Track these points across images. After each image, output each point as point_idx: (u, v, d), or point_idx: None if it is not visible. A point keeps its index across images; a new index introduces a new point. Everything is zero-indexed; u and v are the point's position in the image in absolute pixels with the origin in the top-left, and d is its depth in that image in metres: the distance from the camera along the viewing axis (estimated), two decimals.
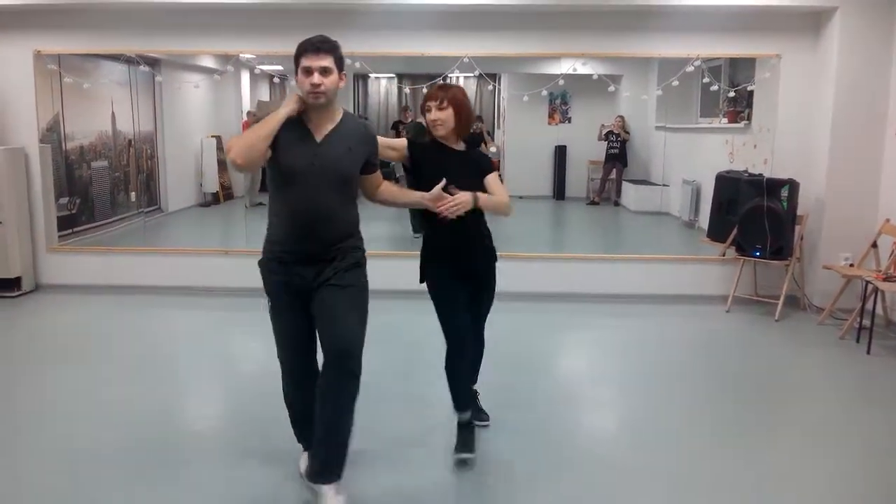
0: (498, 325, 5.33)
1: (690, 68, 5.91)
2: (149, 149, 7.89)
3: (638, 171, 8.71)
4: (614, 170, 8.85)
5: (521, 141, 9.37)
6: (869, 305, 5.02)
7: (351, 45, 5.92)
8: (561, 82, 6.14)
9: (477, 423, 3.41)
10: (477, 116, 9.12)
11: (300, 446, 3.06)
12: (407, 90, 8.69)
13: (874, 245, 5.35)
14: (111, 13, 5.92)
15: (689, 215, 7.62)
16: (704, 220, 6.69)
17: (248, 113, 8.46)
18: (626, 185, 8.86)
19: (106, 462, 3.20)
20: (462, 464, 3.13)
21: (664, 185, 7.84)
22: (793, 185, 5.53)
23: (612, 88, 6.20)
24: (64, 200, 6.57)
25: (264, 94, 8.92)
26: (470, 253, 3.16)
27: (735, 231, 5.82)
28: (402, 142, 3.14)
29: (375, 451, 3.26)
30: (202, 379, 4.40)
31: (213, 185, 8.86)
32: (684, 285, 6.10)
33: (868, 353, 4.80)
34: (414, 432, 3.51)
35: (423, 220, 3.12)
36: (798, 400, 4.17)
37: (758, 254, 5.64)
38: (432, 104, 3.03)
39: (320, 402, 2.68)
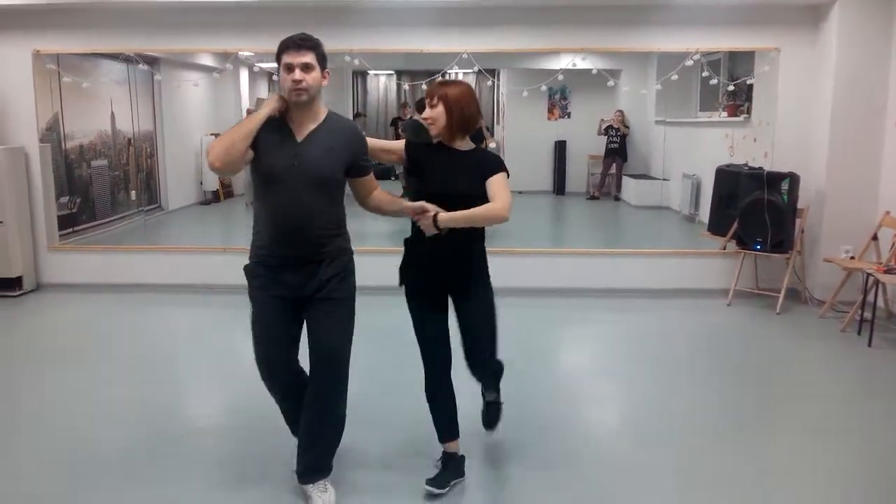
0: (499, 321, 5.35)
1: (690, 62, 5.91)
2: (148, 147, 7.89)
3: (638, 165, 8.71)
4: (614, 164, 8.86)
5: (521, 136, 9.36)
6: (870, 298, 5.02)
7: (350, 42, 5.93)
8: (560, 77, 6.14)
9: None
10: None
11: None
12: (406, 87, 8.69)
13: (875, 237, 5.35)
14: (110, 12, 5.92)
15: (689, 209, 7.62)
16: (705, 214, 6.69)
17: (248, 111, 8.45)
18: (626, 180, 8.86)
19: (106, 461, 3.20)
20: (428, 495, 2.91)
21: (664, 179, 7.83)
22: (793, 179, 5.53)
23: (611, 83, 6.19)
24: (64, 199, 6.57)
25: (263, 92, 8.91)
26: (447, 264, 2.84)
27: (736, 224, 5.82)
28: (400, 144, 2.94)
29: (376, 449, 3.27)
30: (203, 377, 4.40)
31: (213, 183, 8.86)
32: (685, 279, 6.11)
33: (869, 345, 4.81)
34: (415, 430, 3.51)
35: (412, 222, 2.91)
36: (800, 393, 4.17)
37: (758, 247, 5.64)
38: (427, 101, 2.84)
39: (310, 408, 2.79)
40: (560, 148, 9.14)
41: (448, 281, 2.88)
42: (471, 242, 2.85)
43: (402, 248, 2.94)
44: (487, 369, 3.03)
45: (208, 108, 8.71)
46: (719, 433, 3.54)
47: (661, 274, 6.14)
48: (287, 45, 2.61)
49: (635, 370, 4.44)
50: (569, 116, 9.06)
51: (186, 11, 5.89)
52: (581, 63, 6.04)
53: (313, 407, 2.79)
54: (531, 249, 6.29)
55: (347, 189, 2.83)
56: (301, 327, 2.82)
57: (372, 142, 2.93)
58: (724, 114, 7.08)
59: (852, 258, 5.50)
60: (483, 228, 2.89)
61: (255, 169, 2.69)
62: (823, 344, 4.93)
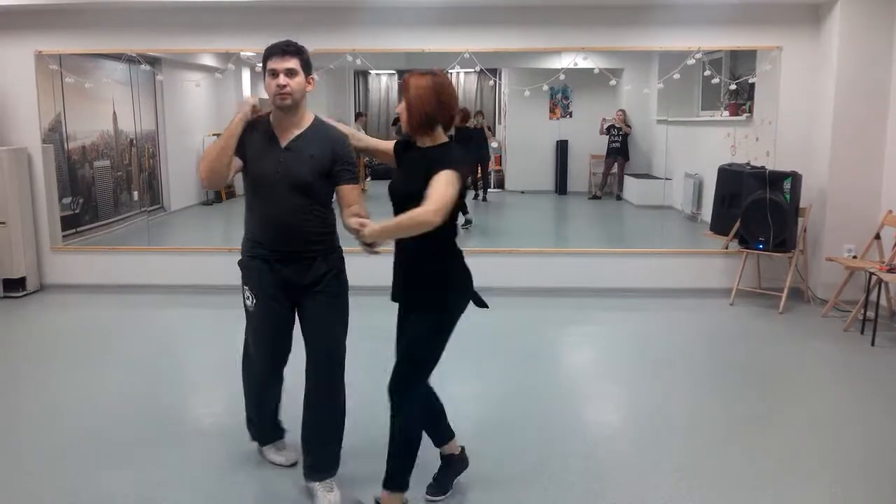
0: (502, 321, 5.36)
1: (691, 61, 5.90)
2: (150, 148, 7.89)
3: (640, 164, 8.71)
4: (616, 164, 8.86)
5: (523, 136, 9.39)
6: (873, 297, 5.02)
7: (351, 42, 5.94)
8: (562, 77, 6.14)
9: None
10: (478, 112, 9.13)
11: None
12: None
13: (877, 236, 5.34)
14: (112, 13, 5.93)
15: (691, 209, 7.62)
16: (707, 214, 6.69)
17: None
18: (628, 179, 8.86)
19: (110, 460, 3.21)
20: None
21: (666, 178, 7.83)
22: (795, 178, 5.52)
23: (613, 82, 6.19)
24: (67, 200, 6.58)
25: (265, 92, 8.91)
26: (396, 279, 2.72)
27: (738, 224, 5.81)
28: (391, 144, 2.87)
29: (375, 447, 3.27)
30: (207, 377, 4.41)
31: None
32: (687, 279, 6.10)
33: (872, 344, 4.81)
34: None
35: None
36: (802, 392, 4.17)
37: (761, 246, 5.64)
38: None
39: (314, 405, 2.87)
40: (562, 147, 9.14)
41: (394, 289, 2.74)
42: (422, 263, 2.61)
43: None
44: (392, 403, 2.70)
45: (210, 108, 8.71)
46: (722, 433, 3.54)
47: (664, 274, 6.13)
48: (272, 52, 2.67)
49: (637, 370, 4.44)
50: (570, 116, 9.06)
51: (188, 12, 5.90)
52: (583, 62, 6.04)
53: (316, 404, 2.86)
54: (533, 249, 6.29)
55: None
56: (293, 329, 2.90)
57: (373, 142, 2.98)
58: (726, 113, 7.07)
59: (855, 257, 5.50)
60: (446, 247, 2.65)
61: (245, 175, 2.80)
62: (826, 343, 4.93)
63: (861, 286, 5.23)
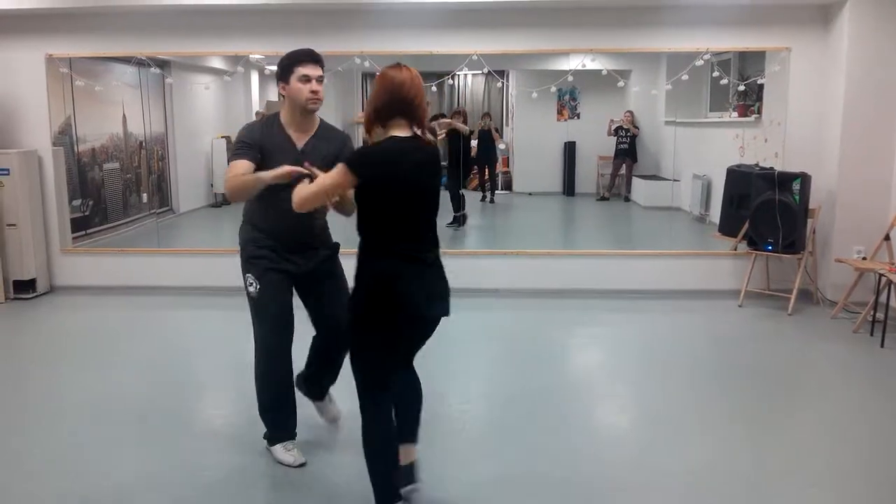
0: (508, 322, 5.36)
1: (700, 62, 5.89)
2: (160, 150, 7.94)
3: (648, 166, 8.69)
4: (624, 165, 8.85)
5: (530, 137, 9.38)
6: (882, 298, 4.99)
7: (359, 44, 5.96)
8: (570, 78, 6.14)
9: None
10: (485, 114, 9.14)
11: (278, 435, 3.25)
12: None
13: (887, 238, 5.31)
14: (121, 16, 5.96)
15: (700, 210, 7.60)
16: (716, 215, 6.67)
17: (258, 113, 8.49)
18: (636, 181, 8.85)
19: (120, 461, 3.23)
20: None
21: (675, 180, 7.81)
22: (804, 179, 5.50)
23: (621, 84, 6.18)
24: (77, 202, 6.62)
25: (273, 95, 8.95)
26: None
27: (747, 225, 5.79)
28: None
29: None
30: (216, 379, 4.43)
31: (223, 185, 8.91)
32: (696, 280, 6.09)
33: (882, 346, 4.78)
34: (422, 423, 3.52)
35: None
36: (812, 394, 4.15)
37: (770, 248, 5.62)
38: None
39: (322, 358, 3.27)
40: (570, 149, 9.14)
41: None
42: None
43: None
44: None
45: (219, 110, 8.76)
46: (730, 434, 3.53)
47: (672, 275, 6.12)
48: (300, 59, 2.89)
49: (645, 372, 4.43)
50: (578, 117, 9.06)
51: (197, 15, 5.93)
52: (590, 64, 6.04)
53: (325, 357, 3.27)
54: (541, 251, 6.28)
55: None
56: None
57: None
58: (735, 114, 7.06)
59: (864, 259, 5.47)
60: (369, 247, 2.58)
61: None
62: (835, 345, 4.91)
63: (870, 287, 5.20)
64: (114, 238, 7.06)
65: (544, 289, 6.10)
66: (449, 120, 8.11)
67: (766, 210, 5.58)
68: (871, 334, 4.98)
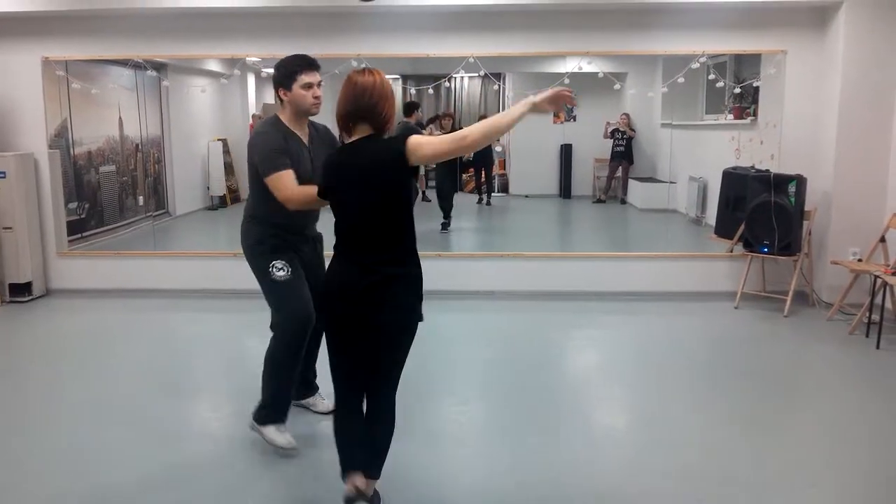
0: (505, 324, 5.37)
1: (696, 65, 5.91)
2: (156, 153, 7.92)
3: (644, 168, 8.71)
4: (620, 167, 8.87)
5: (527, 140, 9.38)
6: (878, 300, 5.01)
7: (356, 47, 5.96)
8: (566, 81, 6.14)
9: None
10: (482, 116, 9.14)
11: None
12: (412, 91, 8.70)
13: (882, 239, 5.33)
14: (117, 19, 5.96)
15: (696, 212, 7.61)
16: (712, 217, 6.68)
17: (254, 116, 8.48)
18: (632, 183, 8.86)
19: (116, 463, 3.22)
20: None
21: (671, 182, 7.83)
22: (800, 181, 5.52)
23: (617, 86, 6.20)
24: (73, 205, 6.61)
25: (270, 98, 8.93)
26: None
27: (743, 227, 5.81)
28: None
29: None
30: (214, 381, 4.43)
31: (220, 188, 8.89)
32: (692, 282, 6.10)
33: (877, 347, 4.79)
34: (419, 425, 3.52)
35: None
36: (808, 396, 4.16)
37: (766, 250, 5.63)
38: None
39: (310, 343, 3.37)
40: (566, 151, 9.15)
41: None
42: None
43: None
44: None
45: (215, 113, 8.75)
46: (727, 436, 3.54)
47: (668, 277, 6.13)
48: (302, 66, 3.08)
49: (641, 374, 4.44)
50: (574, 120, 9.07)
51: (194, 17, 5.92)
52: (587, 66, 6.05)
53: (307, 348, 3.41)
54: (538, 253, 6.29)
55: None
56: None
57: None
58: (731, 116, 7.08)
59: (860, 260, 5.48)
60: (336, 245, 2.62)
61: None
62: (831, 347, 4.92)
63: (866, 289, 5.22)
64: (110, 241, 7.05)
65: (541, 291, 6.11)
66: (429, 129, 8.09)
67: (762, 212, 5.59)
68: (867, 336, 4.99)
